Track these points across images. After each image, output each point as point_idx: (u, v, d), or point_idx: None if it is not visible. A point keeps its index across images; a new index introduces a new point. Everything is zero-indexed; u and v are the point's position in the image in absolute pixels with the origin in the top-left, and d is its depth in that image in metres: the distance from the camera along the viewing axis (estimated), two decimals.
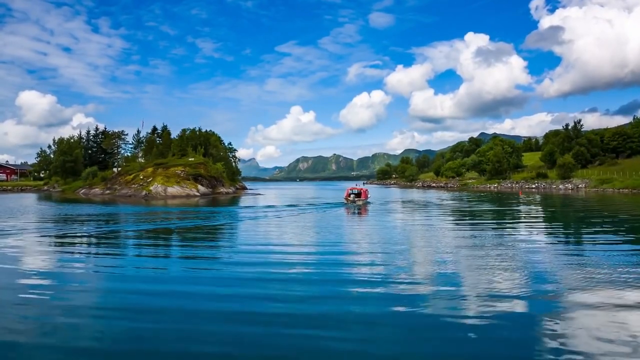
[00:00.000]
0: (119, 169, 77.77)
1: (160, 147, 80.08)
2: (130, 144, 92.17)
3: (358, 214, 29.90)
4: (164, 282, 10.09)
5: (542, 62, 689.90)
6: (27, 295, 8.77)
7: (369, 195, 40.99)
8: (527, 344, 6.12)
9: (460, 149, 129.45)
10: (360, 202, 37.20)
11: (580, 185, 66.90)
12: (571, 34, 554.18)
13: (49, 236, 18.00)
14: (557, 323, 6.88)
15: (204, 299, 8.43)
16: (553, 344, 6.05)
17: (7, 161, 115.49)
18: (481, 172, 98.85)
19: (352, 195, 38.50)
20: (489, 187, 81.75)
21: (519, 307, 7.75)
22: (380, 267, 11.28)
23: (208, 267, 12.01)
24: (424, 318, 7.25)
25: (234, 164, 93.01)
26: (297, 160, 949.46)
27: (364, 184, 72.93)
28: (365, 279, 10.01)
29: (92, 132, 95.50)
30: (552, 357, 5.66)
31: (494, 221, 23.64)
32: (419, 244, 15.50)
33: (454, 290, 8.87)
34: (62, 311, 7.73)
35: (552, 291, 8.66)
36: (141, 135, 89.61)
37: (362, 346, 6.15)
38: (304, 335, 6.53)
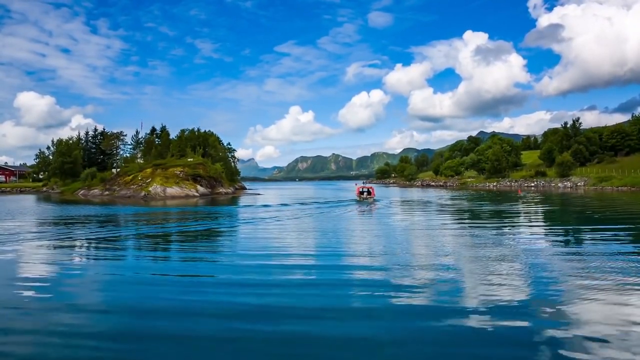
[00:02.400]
0: (118, 169, 77.70)
1: (159, 147, 79.99)
2: (129, 144, 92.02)
3: (368, 210, 31.29)
4: (166, 279, 10.12)
5: (542, 60, 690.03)
6: (26, 298, 8.81)
7: (375, 193, 45.10)
8: (529, 341, 6.13)
9: (459, 148, 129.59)
10: (370, 199, 41.36)
11: (579, 184, 67.02)
12: (570, 31, 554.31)
13: (49, 239, 17.97)
14: (559, 319, 6.92)
15: (207, 289, 8.50)
16: (555, 341, 6.07)
17: (5, 163, 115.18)
18: (480, 171, 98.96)
19: (364, 193, 42.79)
20: (488, 186, 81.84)
21: (521, 303, 7.76)
22: (383, 261, 11.29)
23: (211, 259, 12.04)
24: (426, 315, 7.27)
25: (233, 164, 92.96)
26: (296, 160, 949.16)
27: (363, 182, 73.27)
28: (367, 274, 10.08)
29: (91, 133, 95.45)
30: (553, 353, 5.69)
31: (494, 219, 23.68)
32: (422, 240, 15.51)
33: (456, 285, 8.90)
34: (62, 313, 7.78)
35: (554, 287, 8.69)
36: (140, 136, 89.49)
37: (363, 339, 6.19)
38: (305, 326, 6.59)
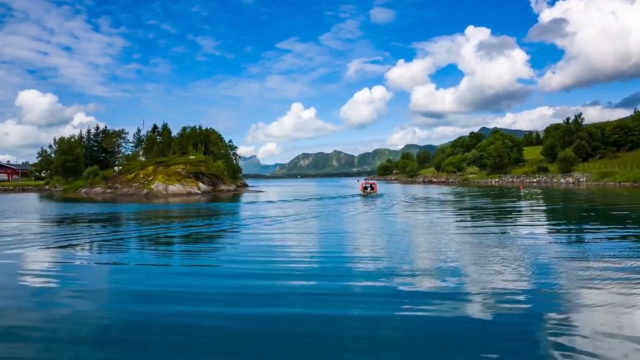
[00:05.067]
0: (120, 167, 77.88)
1: (160, 145, 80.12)
2: (131, 142, 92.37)
3: (372, 203, 33.77)
4: (170, 273, 10.19)
5: (545, 55, 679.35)
6: (28, 299, 8.90)
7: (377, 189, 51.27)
8: (531, 339, 6.15)
9: (461, 144, 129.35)
10: (373, 194, 46.70)
11: (581, 179, 66.87)
12: (574, 26, 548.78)
13: (52, 239, 18.08)
14: (562, 316, 6.94)
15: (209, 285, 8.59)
16: (558, 338, 6.10)
17: (8, 161, 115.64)
18: (482, 167, 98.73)
19: (368, 188, 48.68)
20: (490, 182, 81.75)
21: (524, 300, 7.79)
22: (385, 256, 11.34)
23: (213, 256, 12.12)
24: (428, 310, 7.31)
25: (234, 161, 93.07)
26: (298, 157, 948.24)
27: (365, 179, 74.23)
28: (370, 267, 10.13)
29: (93, 131, 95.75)
30: (556, 351, 5.72)
31: (496, 215, 23.69)
32: (425, 236, 15.55)
33: (457, 283, 8.93)
34: (65, 314, 7.86)
35: (558, 285, 8.71)
36: (142, 134, 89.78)
37: (365, 336, 6.24)
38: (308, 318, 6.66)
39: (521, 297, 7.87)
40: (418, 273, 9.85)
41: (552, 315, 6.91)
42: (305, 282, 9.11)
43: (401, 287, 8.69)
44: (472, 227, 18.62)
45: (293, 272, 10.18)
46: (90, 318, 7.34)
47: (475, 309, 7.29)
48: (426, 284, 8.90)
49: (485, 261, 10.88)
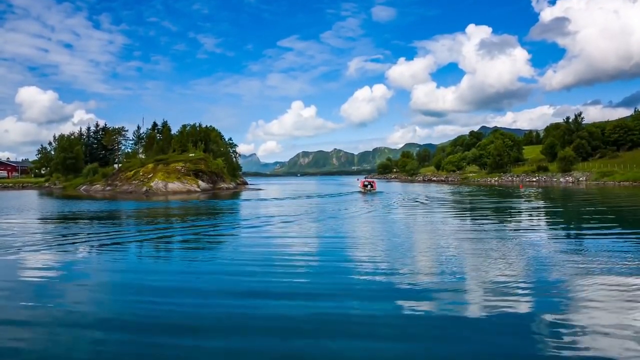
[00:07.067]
0: (120, 165, 77.86)
1: (160, 143, 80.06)
2: (130, 140, 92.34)
3: (371, 201, 35.11)
4: (168, 280, 10.21)
5: (546, 54, 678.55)
6: (28, 300, 8.90)
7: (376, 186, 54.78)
8: (532, 338, 6.14)
9: (461, 143, 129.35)
10: (373, 191, 49.78)
11: (581, 179, 66.85)
12: (576, 25, 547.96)
13: (52, 240, 18.07)
14: (562, 315, 6.93)
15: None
16: (558, 337, 6.10)
17: (8, 158, 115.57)
18: (482, 166, 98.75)
19: (368, 186, 52.16)
20: (490, 181, 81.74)
21: (523, 299, 7.79)
22: (386, 250, 11.36)
23: (213, 257, 12.14)
24: (428, 305, 7.32)
25: (234, 159, 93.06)
26: (298, 156, 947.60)
27: (365, 178, 74.88)
28: (369, 265, 10.15)
29: (93, 128, 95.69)
30: (557, 349, 5.71)
31: (495, 214, 23.69)
32: (424, 235, 15.55)
33: (457, 283, 8.94)
34: (65, 315, 7.86)
35: (557, 283, 8.71)
36: (141, 132, 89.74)
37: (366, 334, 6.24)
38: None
39: (521, 297, 7.86)
40: (420, 279, 9.84)
41: (552, 313, 6.90)
42: (306, 300, 8.12)
43: (399, 286, 8.67)
44: (471, 226, 18.63)
45: (294, 283, 9.53)
46: (86, 324, 7.34)
47: (475, 308, 7.28)
48: (428, 289, 8.86)
49: (486, 261, 10.88)
